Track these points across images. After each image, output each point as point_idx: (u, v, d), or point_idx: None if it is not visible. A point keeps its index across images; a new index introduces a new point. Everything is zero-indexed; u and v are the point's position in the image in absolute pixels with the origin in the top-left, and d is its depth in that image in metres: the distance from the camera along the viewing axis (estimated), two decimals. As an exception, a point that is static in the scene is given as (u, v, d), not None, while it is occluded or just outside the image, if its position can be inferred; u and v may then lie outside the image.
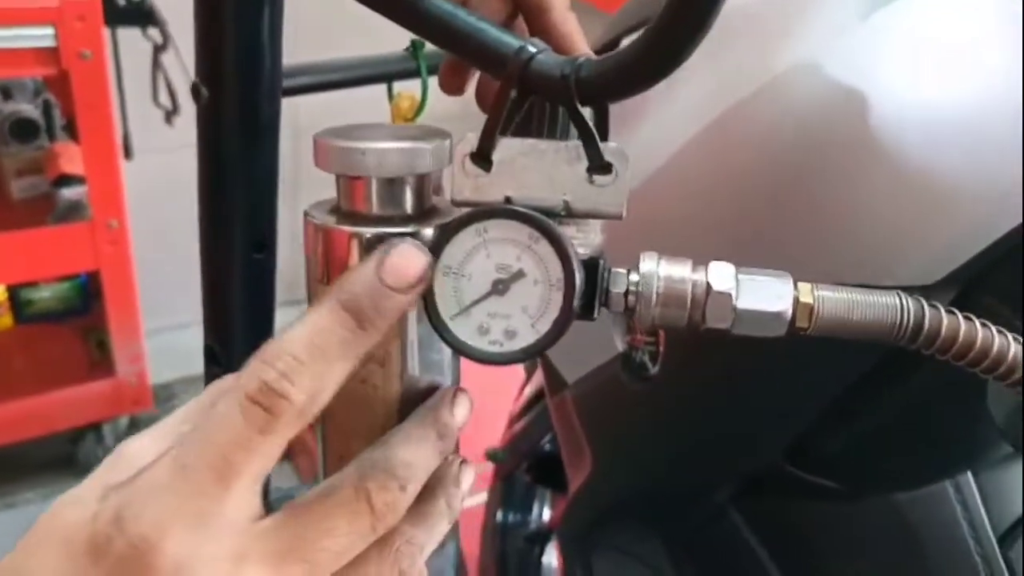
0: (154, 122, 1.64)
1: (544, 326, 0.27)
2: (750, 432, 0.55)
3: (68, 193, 1.58)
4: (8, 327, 1.87)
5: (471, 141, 0.27)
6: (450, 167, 0.29)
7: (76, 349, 1.84)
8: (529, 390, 1.05)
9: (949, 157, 0.40)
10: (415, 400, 0.30)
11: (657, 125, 0.53)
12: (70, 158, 1.62)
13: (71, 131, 1.68)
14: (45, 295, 1.89)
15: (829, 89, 0.43)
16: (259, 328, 0.43)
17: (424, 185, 0.30)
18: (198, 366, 0.47)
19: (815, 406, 0.50)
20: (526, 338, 0.27)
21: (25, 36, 1.33)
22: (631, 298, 0.28)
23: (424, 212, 0.30)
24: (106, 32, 1.44)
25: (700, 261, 0.29)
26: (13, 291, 1.86)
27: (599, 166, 0.26)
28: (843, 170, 0.43)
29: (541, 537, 1.11)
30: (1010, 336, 0.29)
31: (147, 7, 1.47)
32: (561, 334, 0.27)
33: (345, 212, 0.30)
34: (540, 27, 0.33)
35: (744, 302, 0.28)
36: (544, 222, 0.26)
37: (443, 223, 0.28)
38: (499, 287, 0.27)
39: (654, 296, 0.28)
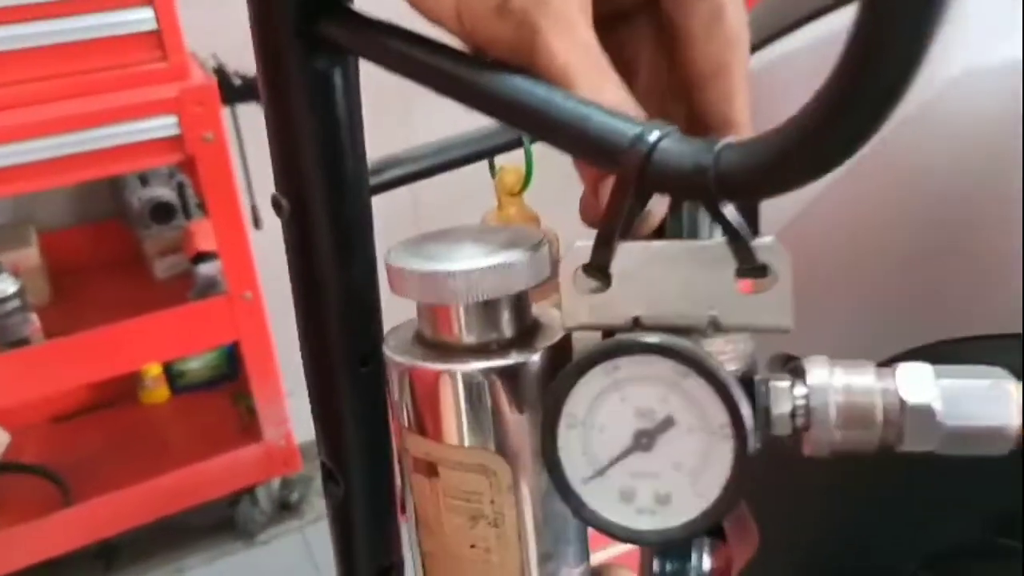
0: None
1: (710, 488, 0.21)
2: (949, 502, 0.47)
3: (205, 269, 1.63)
4: (165, 399, 1.97)
5: (582, 252, 0.21)
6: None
7: (227, 415, 1.87)
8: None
9: None
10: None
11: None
12: (205, 235, 1.67)
13: (205, 208, 1.75)
14: (195, 365, 1.97)
15: (992, 103, 0.38)
16: (375, 446, 0.39)
17: (523, 302, 0.25)
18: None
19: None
20: (686, 505, 0.21)
21: (150, 128, 1.35)
22: (799, 420, 0.22)
23: (525, 331, 0.25)
24: (226, 111, 1.49)
25: (886, 364, 0.23)
26: (166, 365, 1.94)
27: (751, 269, 0.20)
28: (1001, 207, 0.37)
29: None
30: None
31: (261, 82, 1.50)
32: (738, 498, 0.21)
33: (430, 342, 0.25)
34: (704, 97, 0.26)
35: (953, 418, 0.21)
36: (693, 352, 0.20)
37: (551, 345, 0.23)
38: (642, 440, 0.21)
39: (832, 415, 0.22)
